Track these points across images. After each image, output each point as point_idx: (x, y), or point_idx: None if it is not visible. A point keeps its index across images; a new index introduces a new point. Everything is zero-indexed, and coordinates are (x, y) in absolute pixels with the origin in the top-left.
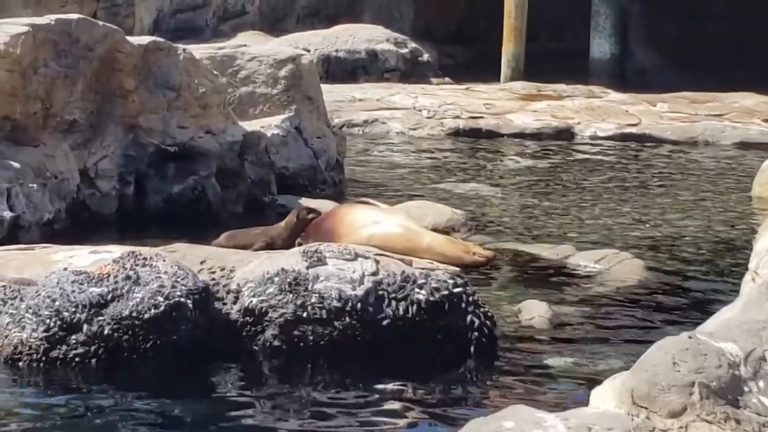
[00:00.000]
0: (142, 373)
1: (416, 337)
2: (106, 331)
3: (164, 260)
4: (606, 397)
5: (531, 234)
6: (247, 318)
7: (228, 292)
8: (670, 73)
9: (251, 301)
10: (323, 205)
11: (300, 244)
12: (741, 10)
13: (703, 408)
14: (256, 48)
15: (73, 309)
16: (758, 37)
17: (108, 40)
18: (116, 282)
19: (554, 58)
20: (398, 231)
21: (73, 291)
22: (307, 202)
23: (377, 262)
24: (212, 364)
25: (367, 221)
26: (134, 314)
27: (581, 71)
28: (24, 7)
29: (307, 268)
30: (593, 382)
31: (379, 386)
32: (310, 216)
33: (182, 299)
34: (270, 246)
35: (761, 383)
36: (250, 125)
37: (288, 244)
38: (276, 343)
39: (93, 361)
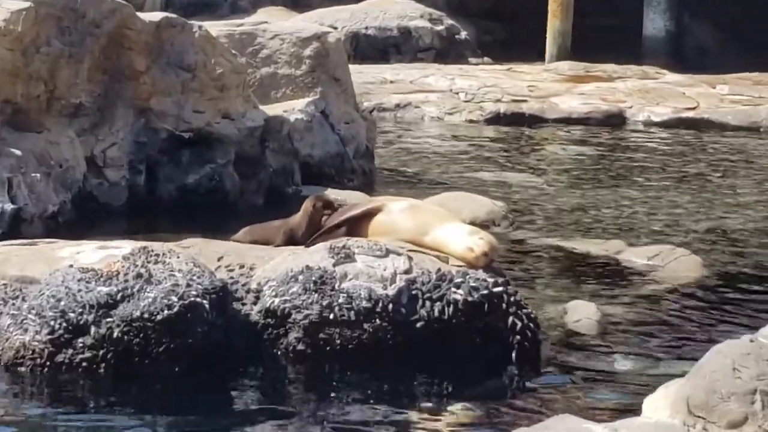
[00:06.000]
0: (154, 380)
1: (453, 341)
2: (115, 334)
3: (178, 257)
4: (659, 406)
5: (578, 228)
6: (269, 320)
7: (248, 292)
8: (731, 51)
9: (273, 302)
10: (351, 196)
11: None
12: None
13: (766, 418)
14: (278, 25)
15: (80, 310)
16: None
17: (116, 15)
18: (126, 280)
19: (604, 36)
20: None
21: (80, 290)
22: (333, 193)
23: (410, 258)
24: (230, 370)
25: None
26: (146, 315)
27: (634, 50)
28: None
29: (334, 265)
30: (645, 389)
31: (413, 394)
32: (326, 210)
33: (198, 299)
34: (291, 239)
35: None
36: (271, 109)
37: (309, 235)
38: (300, 347)
39: (101, 366)
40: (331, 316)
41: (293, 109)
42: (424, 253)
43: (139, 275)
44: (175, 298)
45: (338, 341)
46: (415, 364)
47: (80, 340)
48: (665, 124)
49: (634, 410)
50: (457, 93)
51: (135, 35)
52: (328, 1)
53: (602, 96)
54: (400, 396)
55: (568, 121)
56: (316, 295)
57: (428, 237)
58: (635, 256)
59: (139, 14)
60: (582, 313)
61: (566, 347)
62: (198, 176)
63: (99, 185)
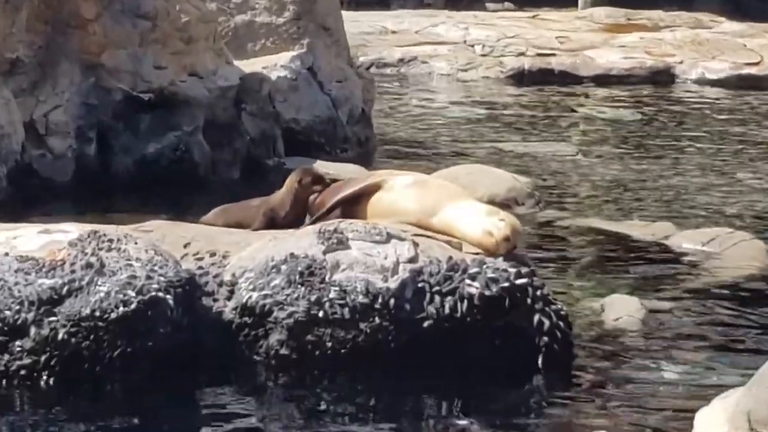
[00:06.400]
0: (108, 390)
1: (467, 343)
2: (60, 336)
3: (136, 243)
4: (715, 421)
5: (618, 208)
6: (246, 318)
7: (220, 285)
8: None
9: (251, 297)
10: (345, 170)
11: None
12: None
13: None
14: None
15: (17, 307)
16: None
17: None
18: (73, 271)
19: None
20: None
21: (17, 283)
22: (323, 165)
23: (416, 244)
24: (199, 379)
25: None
26: (97, 313)
27: None
28: None
29: (324, 252)
30: (698, 401)
31: (418, 407)
32: (315, 187)
33: (160, 294)
34: (273, 221)
35: None
36: (248, 65)
37: (294, 215)
38: (283, 351)
39: (43, 374)
40: (321, 314)
41: (274, 64)
42: (432, 238)
43: (88, 265)
44: (132, 293)
45: (329, 344)
46: (421, 371)
47: (18, 343)
48: (722, 83)
49: (684, 425)
50: (472, 45)
51: None
52: None
53: (647, 49)
54: (402, 409)
55: (605, 79)
56: (303, 288)
57: (437, 218)
58: (686, 241)
59: None
60: (623, 310)
61: (603, 350)
62: (160, 146)
63: (40, 157)
